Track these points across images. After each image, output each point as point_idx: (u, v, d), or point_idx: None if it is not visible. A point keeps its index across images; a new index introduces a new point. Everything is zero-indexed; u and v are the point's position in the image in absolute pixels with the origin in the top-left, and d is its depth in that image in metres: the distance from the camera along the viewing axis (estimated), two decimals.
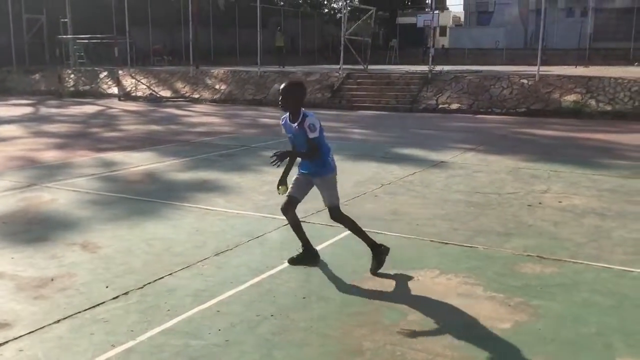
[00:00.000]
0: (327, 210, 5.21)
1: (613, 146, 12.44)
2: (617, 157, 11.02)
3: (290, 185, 5.19)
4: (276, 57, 28.60)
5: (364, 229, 5.21)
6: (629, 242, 5.84)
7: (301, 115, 4.93)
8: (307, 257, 5.21)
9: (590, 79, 18.91)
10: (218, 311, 4.25)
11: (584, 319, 4.16)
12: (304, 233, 5.24)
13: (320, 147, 4.99)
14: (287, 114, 5.04)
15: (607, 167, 9.88)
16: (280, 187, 5.17)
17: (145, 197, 7.64)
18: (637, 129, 14.96)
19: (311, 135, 4.85)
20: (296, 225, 5.21)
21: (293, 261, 5.18)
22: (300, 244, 5.23)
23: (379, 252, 5.10)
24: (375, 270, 5.01)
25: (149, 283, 4.74)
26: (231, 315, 4.18)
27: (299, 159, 5.20)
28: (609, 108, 17.64)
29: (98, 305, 4.33)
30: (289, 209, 5.14)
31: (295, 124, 4.94)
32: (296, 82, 5.16)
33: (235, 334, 3.91)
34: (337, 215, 5.12)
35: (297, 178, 5.19)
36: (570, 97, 18.42)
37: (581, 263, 5.26)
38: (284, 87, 4.95)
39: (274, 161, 4.87)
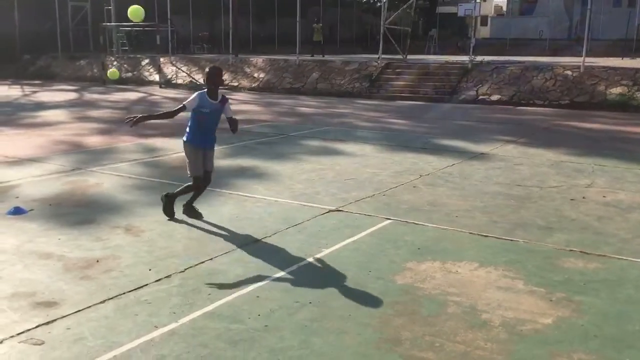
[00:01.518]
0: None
1: None
2: None
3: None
4: (315, 49, 28.56)
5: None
6: None
7: (221, 96, 6.16)
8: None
9: (638, 71, 18.32)
10: (257, 297, 4.31)
11: (628, 316, 4.07)
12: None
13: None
14: (206, 91, 6.13)
15: None
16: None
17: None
18: None
19: (231, 115, 6.18)
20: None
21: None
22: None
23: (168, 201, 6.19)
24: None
25: (191, 267, 4.83)
26: (270, 300, 4.24)
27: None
28: None
29: (141, 287, 4.44)
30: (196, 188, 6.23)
31: (217, 101, 6.11)
32: (217, 67, 6.35)
33: (274, 319, 3.96)
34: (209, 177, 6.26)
35: (192, 151, 6.19)
36: (616, 90, 17.89)
37: (626, 259, 5.14)
38: (213, 70, 6.22)
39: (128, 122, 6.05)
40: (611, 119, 15.46)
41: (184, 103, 6.12)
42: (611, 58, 26.66)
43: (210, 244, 5.39)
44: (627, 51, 31.39)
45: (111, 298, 4.25)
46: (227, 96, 6.30)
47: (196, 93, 6.14)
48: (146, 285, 4.47)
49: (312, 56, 26.82)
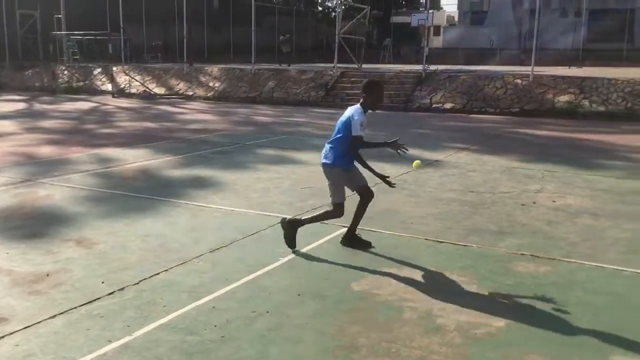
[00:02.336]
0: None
1: (606, 146, 12.52)
2: (610, 157, 11.10)
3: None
4: (282, 58, 29.06)
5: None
6: (621, 241, 5.89)
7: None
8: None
9: (584, 79, 19.01)
10: (214, 307, 4.26)
11: (578, 318, 4.19)
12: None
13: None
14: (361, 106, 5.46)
15: (600, 167, 9.94)
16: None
17: (140, 194, 7.64)
18: (630, 130, 15.06)
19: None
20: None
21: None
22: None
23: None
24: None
25: (145, 279, 4.75)
26: (227, 311, 4.20)
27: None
28: (602, 109, 17.75)
29: (94, 300, 4.33)
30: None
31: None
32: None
33: (231, 330, 3.92)
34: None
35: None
36: (564, 98, 18.51)
37: (575, 262, 5.30)
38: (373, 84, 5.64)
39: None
40: (559, 126, 15.97)
41: (360, 133, 5.29)
42: (559, 67, 27.57)
43: (166, 255, 5.31)
44: (574, 60, 32.55)
45: (62, 313, 4.13)
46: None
47: (359, 111, 5.39)
48: (99, 298, 4.37)
49: (289, 66, 27.11)
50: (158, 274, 4.86)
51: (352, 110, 5.42)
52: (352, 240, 5.63)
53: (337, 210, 5.45)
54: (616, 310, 4.33)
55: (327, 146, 5.55)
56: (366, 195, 5.56)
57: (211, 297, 4.42)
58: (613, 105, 17.76)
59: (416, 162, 5.67)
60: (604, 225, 6.43)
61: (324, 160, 5.51)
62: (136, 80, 25.98)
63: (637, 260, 5.37)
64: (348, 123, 5.34)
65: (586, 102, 18.09)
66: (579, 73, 21.82)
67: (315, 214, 5.68)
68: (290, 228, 5.48)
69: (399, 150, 5.60)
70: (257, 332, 3.91)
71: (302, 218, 5.62)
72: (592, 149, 12.19)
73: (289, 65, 27.41)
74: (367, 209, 5.60)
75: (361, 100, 5.47)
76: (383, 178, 5.46)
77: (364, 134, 5.35)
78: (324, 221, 5.74)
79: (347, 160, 5.43)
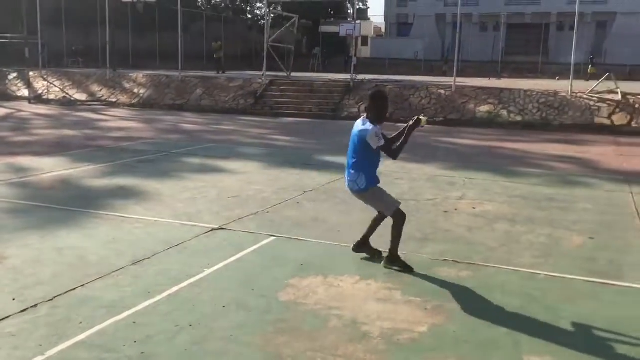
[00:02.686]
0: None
1: (523, 155, 13.10)
2: (527, 165, 11.62)
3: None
4: (215, 65, 29.09)
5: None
6: (536, 246, 6.17)
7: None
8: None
9: (502, 90, 19.87)
10: (134, 322, 4.11)
11: (496, 320, 4.35)
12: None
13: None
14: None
15: (518, 174, 10.39)
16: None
17: (57, 205, 7.31)
18: (545, 139, 15.84)
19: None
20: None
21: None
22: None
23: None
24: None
25: (60, 295, 4.53)
26: (148, 326, 4.06)
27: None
28: (519, 118, 18.58)
29: (4, 319, 4.09)
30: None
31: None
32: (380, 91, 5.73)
33: (152, 345, 3.80)
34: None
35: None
36: (484, 108, 19.26)
37: (493, 267, 5.50)
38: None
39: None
40: (480, 135, 16.59)
41: (380, 143, 5.35)
42: (479, 78, 28.69)
43: (83, 270, 5.09)
44: (494, 72, 33.97)
45: None
46: None
47: (373, 126, 5.37)
48: (9, 316, 4.13)
49: (223, 73, 26.91)
50: (74, 289, 4.65)
51: (360, 124, 5.40)
52: (362, 247, 5.66)
53: (399, 217, 5.37)
54: (530, 312, 4.51)
55: (352, 171, 5.42)
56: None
57: (131, 312, 4.27)
58: (529, 115, 18.64)
59: (424, 118, 5.70)
60: (520, 231, 6.71)
61: (357, 187, 5.39)
62: (55, 86, 24.94)
63: (551, 263, 5.63)
64: (362, 138, 5.28)
65: (504, 112, 18.90)
66: (498, 84, 22.79)
67: (392, 239, 5.38)
68: (397, 260, 5.34)
69: (421, 126, 5.64)
70: (180, 346, 3.81)
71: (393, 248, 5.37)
72: (510, 157, 12.73)
73: (224, 72, 27.27)
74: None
75: (365, 114, 5.43)
76: (414, 125, 5.57)
77: (382, 143, 5.31)
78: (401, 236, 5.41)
79: (376, 178, 5.47)
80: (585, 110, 18.23)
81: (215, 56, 29.62)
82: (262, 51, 25.27)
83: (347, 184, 5.52)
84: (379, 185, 5.50)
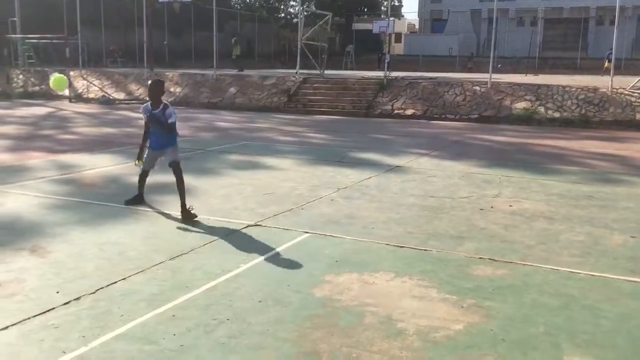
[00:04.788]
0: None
1: (561, 152, 12.86)
2: (565, 162, 11.41)
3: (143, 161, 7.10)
4: (235, 63, 28.90)
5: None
6: (575, 244, 6.06)
7: (162, 105, 6.81)
8: (139, 200, 7.29)
9: (540, 86, 19.51)
10: (173, 316, 4.20)
11: (533, 320, 4.29)
12: (144, 184, 7.34)
13: (174, 128, 6.89)
14: (149, 103, 6.92)
15: (555, 172, 10.21)
16: (138, 161, 7.12)
17: (98, 201, 7.49)
18: (584, 136, 15.51)
19: (170, 120, 6.79)
20: (144, 179, 7.33)
21: (127, 202, 7.21)
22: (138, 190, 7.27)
23: (187, 213, 6.71)
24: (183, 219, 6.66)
25: (102, 288, 4.65)
26: (187, 319, 4.14)
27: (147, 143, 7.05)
28: (557, 115, 18.23)
29: (48, 311, 4.22)
30: (144, 177, 7.30)
31: (157, 110, 6.80)
32: (157, 80, 7.04)
33: (191, 338, 3.88)
34: (177, 167, 6.89)
35: (149, 154, 7.07)
36: (521, 104, 18.95)
37: (530, 265, 5.42)
38: (150, 83, 6.93)
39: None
40: (516, 132, 16.34)
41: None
42: (516, 75, 28.24)
43: (123, 264, 5.21)
44: (531, 68, 33.38)
45: (15, 324, 4.01)
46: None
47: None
48: (53, 308, 4.26)
49: (242, 71, 27.03)
50: (115, 282, 4.77)
51: None
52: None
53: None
54: (570, 312, 4.44)
55: None
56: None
57: (171, 305, 4.36)
58: (568, 111, 18.27)
59: (140, 161, 7.02)
60: (558, 229, 6.60)
61: None
62: (94, 85, 25.50)
63: (591, 262, 5.53)
64: None
65: (542, 109, 18.56)
66: (536, 80, 22.40)
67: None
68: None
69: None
70: (217, 340, 3.87)
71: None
72: (547, 154, 12.51)
73: (242, 70, 27.35)
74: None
75: None
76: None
77: None
78: None
79: None
80: (626, 107, 17.77)
81: (233, 55, 29.64)
82: (296, 49, 25.34)
83: None
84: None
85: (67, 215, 6.82)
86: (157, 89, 6.87)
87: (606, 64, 30.03)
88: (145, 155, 7.06)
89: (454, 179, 9.34)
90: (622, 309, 4.52)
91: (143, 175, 7.29)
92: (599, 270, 5.31)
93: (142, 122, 7.13)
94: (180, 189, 6.84)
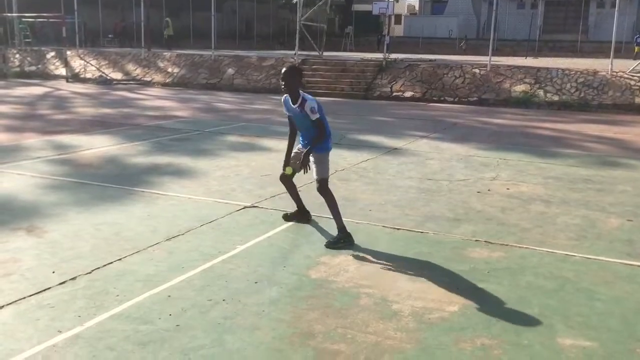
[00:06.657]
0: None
1: (559, 135, 12.83)
2: (563, 146, 11.39)
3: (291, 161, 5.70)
4: (167, 43, 29.14)
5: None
6: (571, 227, 6.06)
7: (300, 98, 5.32)
8: (300, 215, 6.01)
9: (539, 69, 19.42)
10: (169, 296, 4.21)
11: (528, 302, 4.31)
12: (298, 197, 5.96)
13: (325, 126, 5.41)
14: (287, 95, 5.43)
15: (553, 155, 10.20)
16: (286, 168, 5.68)
17: (95, 182, 7.47)
18: (583, 119, 15.47)
19: (313, 117, 5.30)
20: (292, 190, 5.92)
21: (287, 217, 5.98)
22: (296, 205, 5.98)
23: (344, 235, 5.44)
24: (328, 245, 5.35)
25: (98, 268, 4.65)
26: (182, 300, 4.15)
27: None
28: (556, 98, 18.17)
29: (44, 290, 4.22)
30: (287, 179, 5.79)
31: (296, 105, 5.35)
32: (292, 67, 5.48)
33: (186, 318, 3.89)
34: (323, 187, 5.54)
35: (296, 152, 5.70)
36: (520, 87, 18.88)
37: (526, 248, 5.43)
38: (284, 71, 5.35)
39: (306, 170, 5.48)
40: (515, 115, 16.29)
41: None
42: (515, 57, 28.08)
43: (120, 244, 5.21)
44: (530, 51, 33.18)
45: (10, 303, 4.01)
46: None
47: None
48: (49, 288, 4.26)
49: (170, 49, 27.07)
50: (111, 263, 4.78)
51: None
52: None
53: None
54: (564, 294, 4.46)
55: None
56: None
57: (166, 286, 4.36)
58: (567, 95, 18.21)
59: (289, 168, 5.70)
60: (555, 212, 6.60)
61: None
62: (92, 65, 25.33)
63: (586, 245, 5.54)
64: None
65: (541, 92, 18.49)
66: (535, 63, 22.28)
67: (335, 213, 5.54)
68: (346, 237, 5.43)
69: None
70: (212, 320, 3.88)
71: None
72: (545, 137, 12.48)
73: (171, 49, 27.20)
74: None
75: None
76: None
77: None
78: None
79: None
80: (625, 90, 17.71)
81: (165, 34, 29.43)
82: (294, 30, 25.15)
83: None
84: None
85: (64, 195, 6.81)
86: (291, 79, 5.30)
87: (636, 49, 29.79)
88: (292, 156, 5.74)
89: (451, 161, 9.33)
90: (617, 292, 4.53)
91: (284, 180, 5.81)
92: (595, 253, 5.32)
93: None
94: (331, 211, 5.56)
